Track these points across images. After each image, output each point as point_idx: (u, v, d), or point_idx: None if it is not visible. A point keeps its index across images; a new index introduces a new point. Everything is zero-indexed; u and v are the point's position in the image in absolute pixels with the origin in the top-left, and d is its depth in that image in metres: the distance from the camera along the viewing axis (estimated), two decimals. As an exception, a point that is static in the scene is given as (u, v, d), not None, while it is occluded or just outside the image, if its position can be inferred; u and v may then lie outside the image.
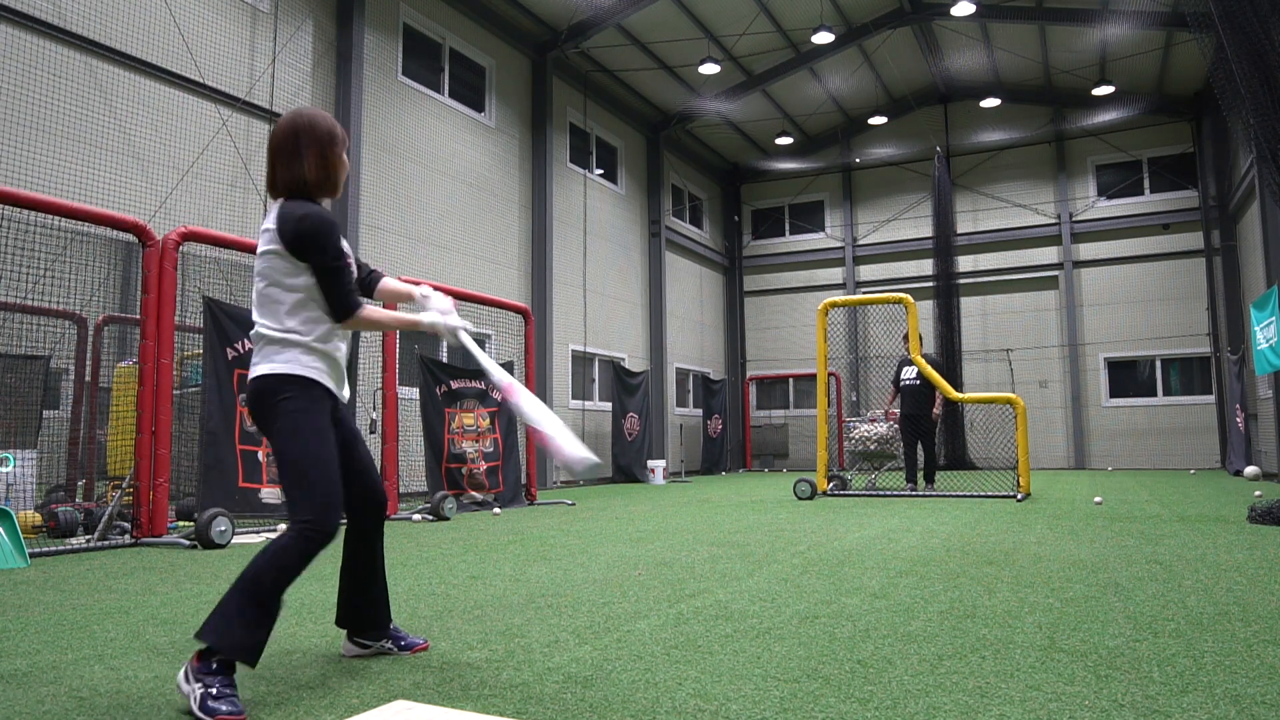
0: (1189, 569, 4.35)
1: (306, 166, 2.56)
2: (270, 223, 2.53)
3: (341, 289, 2.52)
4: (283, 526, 6.94)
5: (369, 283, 2.82)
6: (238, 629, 2.25)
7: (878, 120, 19.68)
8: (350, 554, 2.74)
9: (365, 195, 11.49)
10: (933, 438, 10.65)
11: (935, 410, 10.39)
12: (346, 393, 2.67)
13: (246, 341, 6.96)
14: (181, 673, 2.26)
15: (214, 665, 2.21)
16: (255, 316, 2.55)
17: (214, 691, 2.16)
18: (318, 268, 2.49)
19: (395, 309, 2.94)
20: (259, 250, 2.55)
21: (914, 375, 10.54)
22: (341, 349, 2.61)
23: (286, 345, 2.50)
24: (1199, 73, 16.81)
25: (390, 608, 2.80)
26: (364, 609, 2.73)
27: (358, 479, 2.69)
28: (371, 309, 2.59)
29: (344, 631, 2.85)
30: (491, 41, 14.22)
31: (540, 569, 4.66)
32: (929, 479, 10.61)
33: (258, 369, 2.51)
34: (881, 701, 2.23)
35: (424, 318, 2.75)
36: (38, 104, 8.12)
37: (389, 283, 2.87)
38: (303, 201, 2.56)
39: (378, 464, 8.42)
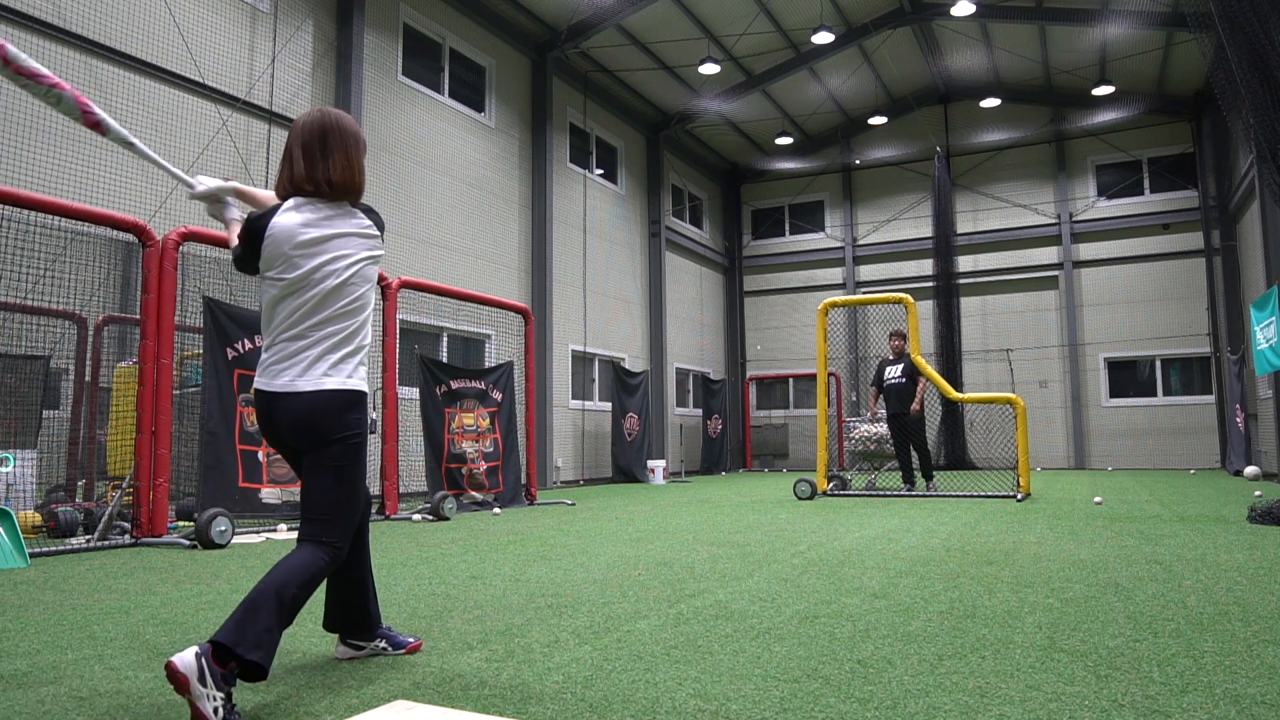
0: (1189, 569, 4.35)
1: (337, 168, 2.57)
2: (367, 224, 2.57)
3: None
4: (283, 526, 6.95)
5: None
6: (265, 638, 2.16)
7: (878, 120, 19.67)
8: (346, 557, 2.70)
9: (365, 195, 11.46)
10: (922, 435, 10.56)
11: (914, 406, 10.34)
12: None
13: (246, 341, 6.96)
14: (193, 664, 2.03)
15: (231, 674, 2.11)
16: (328, 321, 2.46)
17: (232, 704, 2.08)
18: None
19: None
20: (360, 254, 2.54)
21: (898, 374, 10.51)
22: None
23: (356, 358, 2.51)
24: (1199, 73, 16.82)
25: (375, 617, 2.75)
26: (358, 610, 2.69)
27: None
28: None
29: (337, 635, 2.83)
30: (491, 41, 14.22)
31: (540, 569, 4.66)
32: (926, 477, 10.53)
33: (332, 380, 2.42)
34: (881, 701, 2.23)
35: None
36: (38, 104, 8.11)
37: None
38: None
39: (378, 464, 8.43)
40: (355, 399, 2.46)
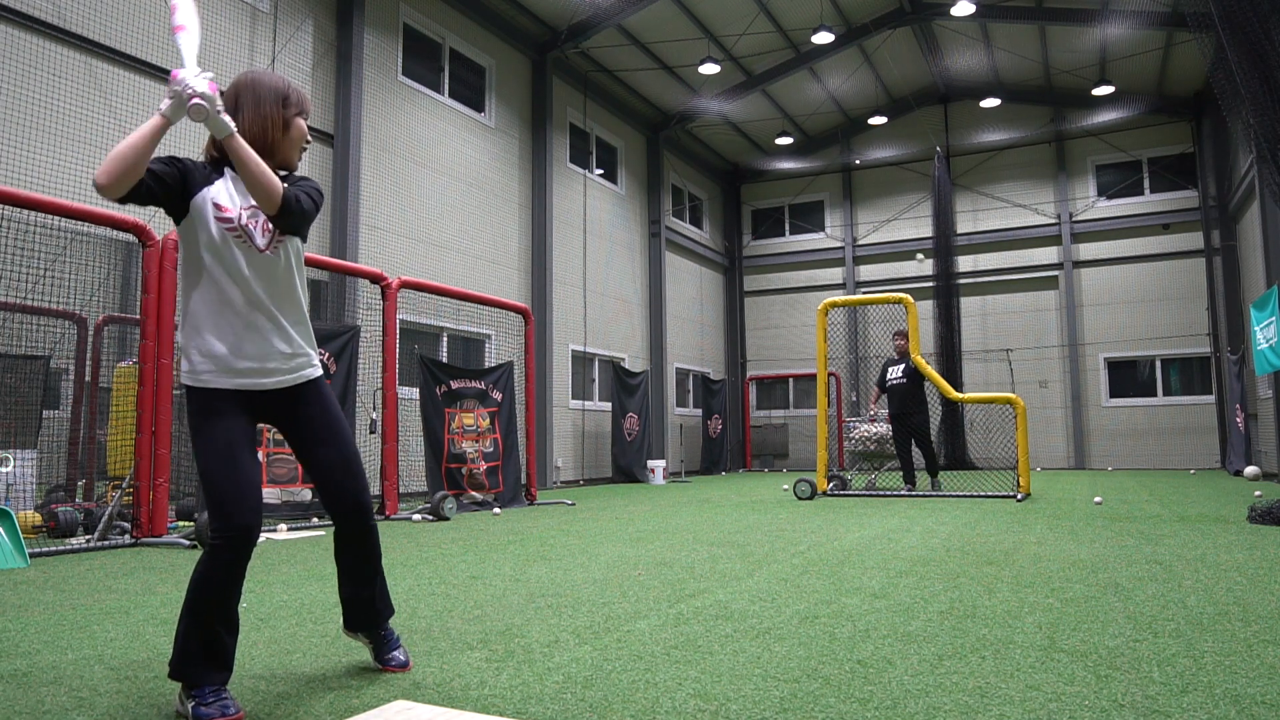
0: (1189, 569, 4.35)
1: (243, 121, 2.36)
2: None
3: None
4: (283, 526, 6.95)
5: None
6: (179, 650, 2.23)
7: (878, 120, 19.68)
8: (335, 552, 2.64)
9: (365, 195, 11.49)
10: (927, 434, 10.52)
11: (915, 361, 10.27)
12: (282, 373, 2.42)
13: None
14: (177, 699, 2.26)
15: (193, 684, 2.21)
16: None
17: (207, 699, 2.16)
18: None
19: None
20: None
21: (899, 375, 10.49)
22: (234, 321, 2.34)
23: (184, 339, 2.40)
24: (1199, 73, 16.81)
25: (379, 613, 2.63)
26: (346, 605, 2.65)
27: (325, 481, 2.52)
28: (109, 157, 2.12)
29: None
30: (491, 41, 14.22)
31: (540, 569, 4.66)
32: (932, 474, 10.51)
33: None
34: (881, 701, 2.23)
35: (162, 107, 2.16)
36: (38, 104, 8.12)
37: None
38: None
39: (378, 464, 8.43)
40: (185, 389, 2.38)
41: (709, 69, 15.98)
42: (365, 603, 2.62)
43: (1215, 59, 8.50)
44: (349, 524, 2.56)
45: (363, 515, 2.57)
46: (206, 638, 2.23)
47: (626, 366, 17.11)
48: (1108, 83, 17.49)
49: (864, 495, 10.12)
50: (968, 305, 19.92)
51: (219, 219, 2.33)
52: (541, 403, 14.01)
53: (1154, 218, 18.69)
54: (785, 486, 11.77)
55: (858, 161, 21.12)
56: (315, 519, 7.62)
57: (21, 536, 5.19)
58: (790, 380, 21.85)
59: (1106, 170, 19.39)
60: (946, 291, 19.40)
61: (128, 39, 8.94)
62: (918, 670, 2.52)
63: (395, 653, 2.63)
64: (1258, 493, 9.77)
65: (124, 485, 6.48)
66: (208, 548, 2.28)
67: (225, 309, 2.35)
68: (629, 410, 15.88)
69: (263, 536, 6.60)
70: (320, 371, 2.57)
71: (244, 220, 2.36)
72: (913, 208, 20.90)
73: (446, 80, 13.37)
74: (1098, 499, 8.84)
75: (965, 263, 20.02)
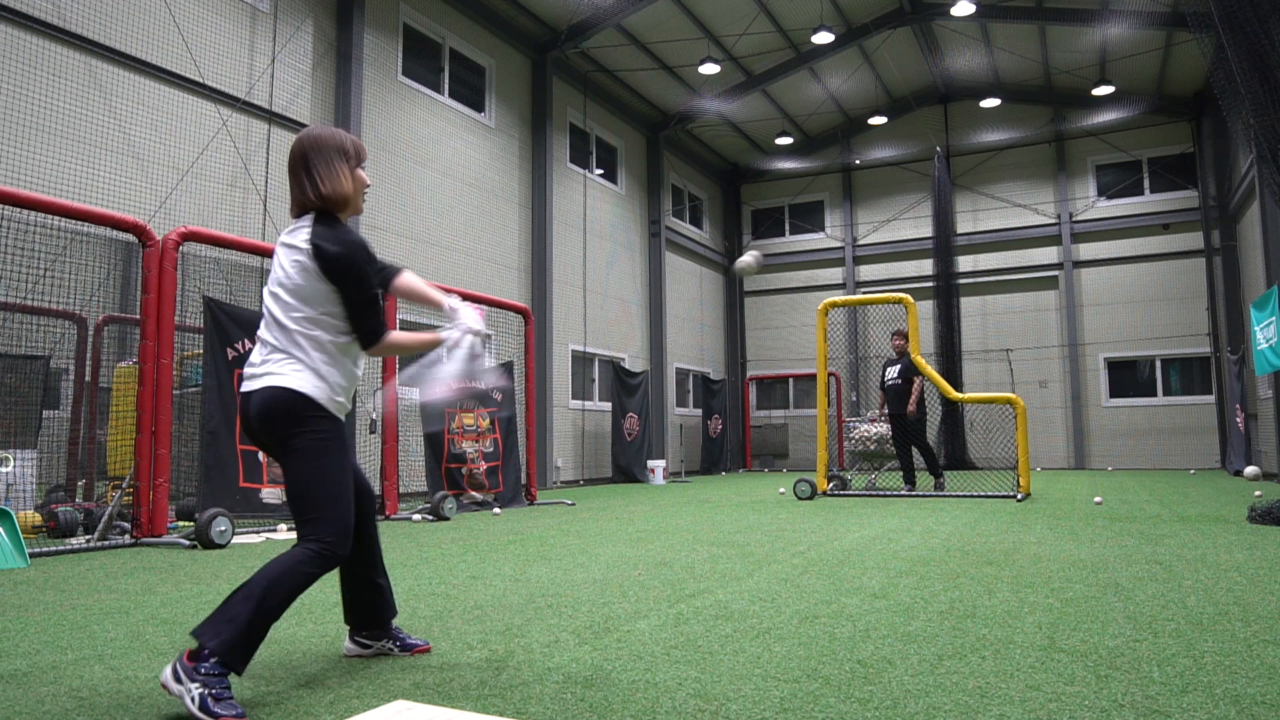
0: (1189, 569, 4.35)
1: (318, 183, 2.55)
2: (301, 240, 2.47)
3: (372, 318, 2.50)
4: (283, 526, 6.95)
5: (385, 278, 2.72)
6: (240, 636, 2.21)
7: (878, 120, 19.68)
8: (360, 554, 2.70)
9: (367, 196, 11.48)
10: (922, 434, 10.49)
11: (910, 407, 10.25)
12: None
13: (247, 341, 6.96)
14: (169, 671, 2.19)
15: (208, 666, 2.16)
16: (274, 327, 2.48)
17: (214, 693, 2.12)
18: (350, 296, 2.46)
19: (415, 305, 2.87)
20: (288, 261, 2.48)
21: (895, 375, 10.48)
22: (357, 365, 2.61)
23: (305, 362, 2.45)
24: (1199, 73, 16.81)
25: (395, 605, 2.79)
26: (367, 605, 2.71)
27: (355, 481, 2.69)
28: (395, 335, 2.55)
29: (346, 631, 2.85)
30: (491, 41, 14.23)
31: (540, 569, 4.66)
32: (935, 474, 10.49)
33: (276, 380, 2.41)
34: (881, 701, 2.23)
35: (447, 334, 2.62)
36: (38, 104, 8.12)
37: (408, 281, 2.75)
38: (334, 223, 2.53)
39: (378, 464, 8.46)
40: (305, 400, 2.42)
41: (709, 69, 15.99)
42: (388, 591, 2.78)
43: (1215, 59, 8.50)
44: (372, 513, 2.76)
45: (373, 496, 2.81)
46: (265, 629, 2.28)
47: (626, 366, 17.11)
48: (1108, 83, 17.49)
49: (864, 495, 10.12)
50: (968, 305, 19.92)
51: None
52: (541, 403, 14.01)
53: (1154, 218, 18.70)
54: (782, 490, 11.77)
55: (858, 161, 21.12)
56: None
57: (21, 536, 5.19)
58: (790, 380, 21.85)
59: (1106, 170, 19.40)
60: (946, 291, 19.41)
61: (128, 39, 8.94)
62: (918, 670, 2.52)
63: (413, 640, 2.83)
64: (1258, 493, 9.77)
65: (124, 485, 6.48)
66: (319, 556, 2.34)
67: (355, 358, 2.58)
68: (629, 410, 15.88)
69: (262, 537, 6.61)
70: None
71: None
72: (913, 208, 20.90)
73: (446, 80, 13.37)
74: (1098, 499, 8.84)
75: (965, 263, 20.02)
